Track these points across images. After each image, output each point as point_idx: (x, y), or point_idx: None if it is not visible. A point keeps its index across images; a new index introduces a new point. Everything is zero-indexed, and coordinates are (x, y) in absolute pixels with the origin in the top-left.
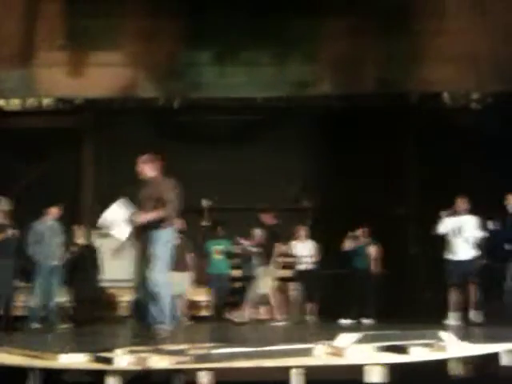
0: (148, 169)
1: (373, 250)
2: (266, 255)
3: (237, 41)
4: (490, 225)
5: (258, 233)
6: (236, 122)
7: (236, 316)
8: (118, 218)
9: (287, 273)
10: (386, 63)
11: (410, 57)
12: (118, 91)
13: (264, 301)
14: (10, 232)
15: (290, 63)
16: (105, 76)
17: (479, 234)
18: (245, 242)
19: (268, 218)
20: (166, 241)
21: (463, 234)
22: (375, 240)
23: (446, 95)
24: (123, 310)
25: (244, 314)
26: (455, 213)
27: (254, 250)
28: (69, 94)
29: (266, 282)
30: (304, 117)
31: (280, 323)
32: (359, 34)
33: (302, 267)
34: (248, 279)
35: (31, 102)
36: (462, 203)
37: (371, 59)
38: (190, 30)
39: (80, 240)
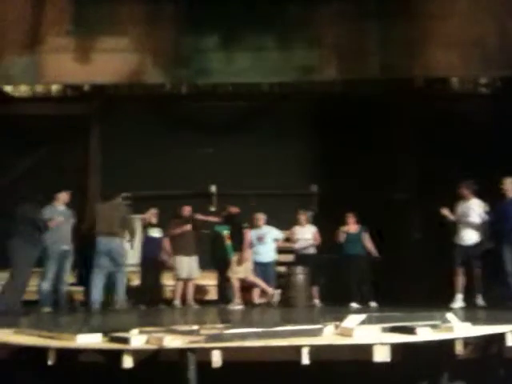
0: None
1: (366, 236)
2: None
3: (242, 26)
4: (486, 207)
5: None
6: (242, 108)
7: (230, 304)
8: None
9: (289, 257)
10: (390, 48)
11: (414, 41)
12: (125, 77)
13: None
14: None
15: (294, 48)
16: (112, 62)
17: (484, 217)
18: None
19: (233, 210)
20: None
21: (468, 218)
22: (366, 226)
23: (453, 80)
24: (133, 294)
25: (236, 300)
26: (462, 198)
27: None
28: (76, 80)
29: (241, 268)
30: (308, 102)
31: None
32: (363, 19)
33: (303, 251)
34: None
35: (39, 88)
36: (465, 188)
37: (375, 44)
38: (195, 16)
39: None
